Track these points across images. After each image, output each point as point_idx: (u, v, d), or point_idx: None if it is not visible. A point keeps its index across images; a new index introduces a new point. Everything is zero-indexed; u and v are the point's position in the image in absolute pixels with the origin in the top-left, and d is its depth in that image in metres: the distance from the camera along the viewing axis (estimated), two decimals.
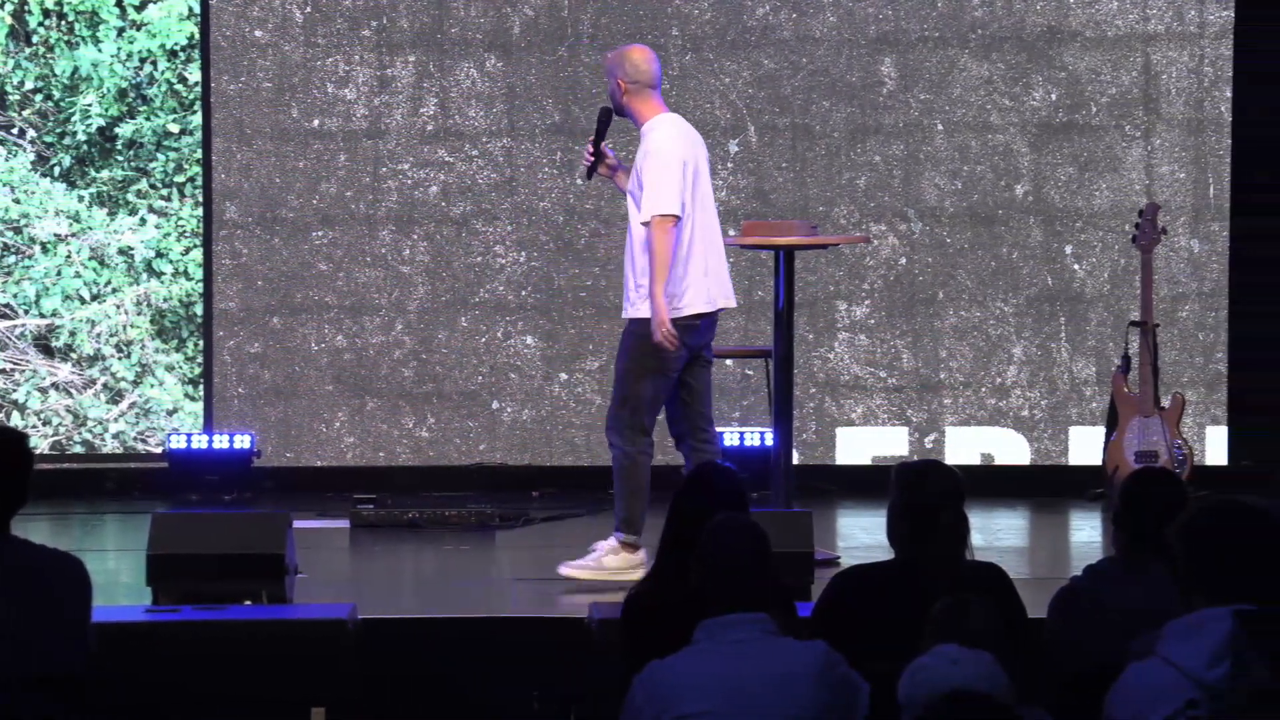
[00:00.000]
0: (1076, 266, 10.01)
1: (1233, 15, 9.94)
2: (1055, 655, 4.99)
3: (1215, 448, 9.97)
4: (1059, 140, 9.97)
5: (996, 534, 8.73)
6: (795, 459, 8.34)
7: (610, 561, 7.07)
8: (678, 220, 7.11)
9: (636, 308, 7.15)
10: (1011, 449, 9.98)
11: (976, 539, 8.24)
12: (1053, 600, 5.11)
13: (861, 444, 9.98)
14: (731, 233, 9.69)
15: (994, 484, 9.50)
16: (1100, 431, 9.55)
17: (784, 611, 4.70)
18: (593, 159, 7.35)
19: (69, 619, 5.03)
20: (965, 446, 9.93)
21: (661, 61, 9.94)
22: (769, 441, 8.53)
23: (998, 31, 9.96)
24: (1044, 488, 9.76)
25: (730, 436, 9.51)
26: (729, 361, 9.91)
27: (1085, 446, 9.86)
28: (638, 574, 7.03)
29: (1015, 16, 9.95)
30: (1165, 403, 9.20)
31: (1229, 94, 9.94)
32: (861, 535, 8.65)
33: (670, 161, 7.13)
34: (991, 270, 9.99)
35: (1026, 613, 5.14)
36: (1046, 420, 9.99)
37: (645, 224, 7.12)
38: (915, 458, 9.73)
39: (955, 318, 9.99)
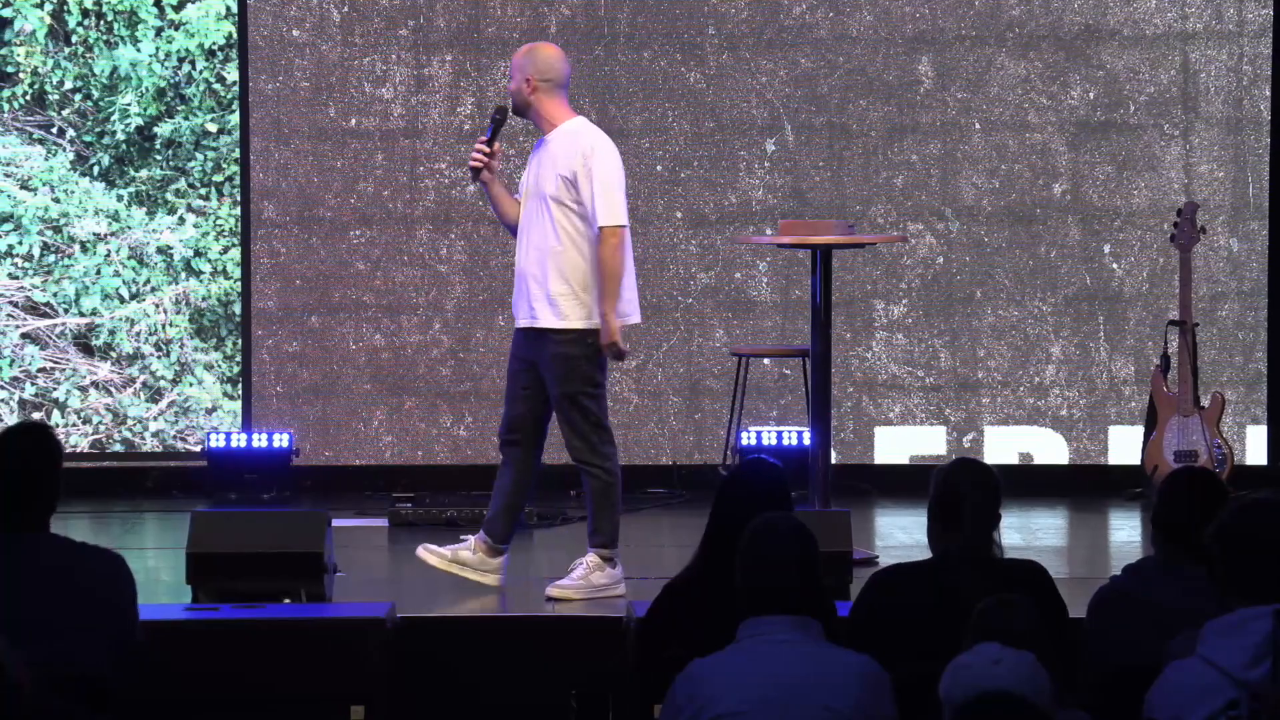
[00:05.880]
0: (1115, 265, 9.99)
1: (1272, 14, 9.91)
2: (1095, 655, 4.99)
3: (1255, 447, 9.93)
4: (1097, 139, 9.95)
5: (1035, 533, 8.71)
6: (833, 458, 8.33)
7: (597, 579, 7.03)
8: (624, 233, 6.96)
9: (566, 318, 6.95)
10: (1050, 448, 9.96)
11: (1016, 538, 8.26)
12: (1092, 600, 5.11)
13: (899, 443, 9.97)
14: (769, 232, 9.71)
15: (1033, 484, 9.47)
16: (1139, 431, 9.52)
17: (826, 615, 4.69)
18: (485, 160, 7.05)
19: (109, 617, 5.04)
20: (1004, 446, 9.92)
21: (698, 60, 9.99)
22: (807, 441, 8.53)
23: (1035, 30, 9.95)
24: (1083, 487, 9.74)
25: (768, 436, 9.51)
26: (766, 360, 9.91)
27: (1124, 446, 9.84)
28: (620, 589, 7.04)
29: (1053, 15, 9.93)
30: (1205, 402, 9.17)
31: (1268, 93, 9.91)
32: (899, 534, 8.64)
33: (619, 171, 6.98)
34: (1029, 269, 9.97)
35: (1067, 612, 5.13)
36: (1085, 420, 9.97)
37: (599, 230, 6.90)
38: (954, 457, 9.72)
39: (993, 317, 9.97)
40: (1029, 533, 8.65)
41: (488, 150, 7.07)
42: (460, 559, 7.09)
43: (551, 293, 6.96)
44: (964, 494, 5.05)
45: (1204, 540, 4.50)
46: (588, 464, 7.00)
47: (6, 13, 9.93)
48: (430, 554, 7.11)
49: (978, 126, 9.96)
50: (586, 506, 7.11)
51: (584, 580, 6.97)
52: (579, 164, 6.95)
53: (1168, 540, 5.07)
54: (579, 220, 6.98)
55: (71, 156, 9.97)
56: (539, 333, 6.99)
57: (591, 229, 6.97)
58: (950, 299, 9.98)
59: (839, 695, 4.37)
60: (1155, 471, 9.00)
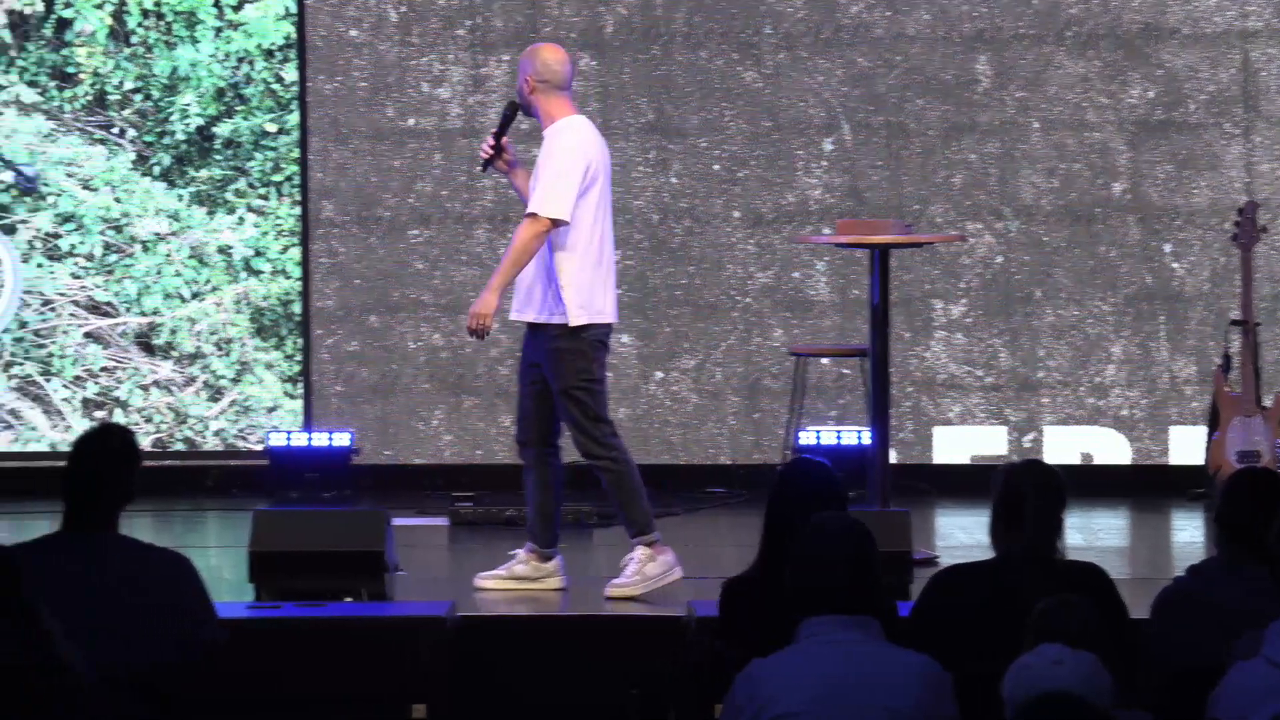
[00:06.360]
0: (1176, 265, 9.94)
1: None
2: (1158, 656, 4.97)
3: None
4: (1156, 138, 9.91)
5: (1097, 534, 8.68)
6: (892, 458, 8.32)
7: (651, 569, 7.04)
8: (554, 227, 6.93)
9: (556, 313, 6.97)
10: (1111, 448, 9.92)
11: (1077, 539, 8.23)
12: (1155, 600, 5.09)
13: (959, 443, 9.94)
14: (826, 231, 9.70)
15: (1094, 484, 9.43)
16: (1202, 431, 9.48)
17: (885, 615, 4.68)
18: (492, 152, 7.14)
19: (172, 618, 5.07)
20: (1064, 446, 9.88)
21: (755, 60, 9.98)
22: (866, 440, 8.52)
23: (1094, 29, 9.91)
24: (1145, 488, 9.70)
25: (827, 435, 9.50)
26: (825, 360, 9.89)
27: (1186, 446, 9.79)
28: (677, 573, 7.06)
29: (1111, 14, 9.90)
30: (1267, 402, 9.13)
31: None
32: (960, 534, 8.62)
33: (573, 167, 6.94)
34: (1089, 269, 9.94)
35: (1128, 613, 5.12)
36: (1147, 420, 9.93)
37: (528, 215, 6.93)
38: (1015, 457, 9.70)
39: (1053, 316, 9.94)
40: (1090, 533, 8.62)
41: (492, 143, 7.14)
42: (516, 574, 7.12)
43: (542, 287, 7.00)
44: (1027, 495, 5.04)
45: (1267, 541, 4.49)
46: (596, 458, 7.02)
47: (67, 13, 10.00)
48: (488, 579, 7.13)
49: (1036, 125, 9.93)
50: (611, 503, 7.13)
51: (638, 575, 6.99)
52: (546, 158, 7.01)
53: (1231, 540, 5.06)
54: None
55: (132, 157, 10.02)
56: (537, 328, 7.04)
57: (573, 224, 6.97)
58: (1009, 298, 9.95)
59: (899, 695, 4.36)
60: (1218, 472, 8.95)
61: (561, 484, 7.19)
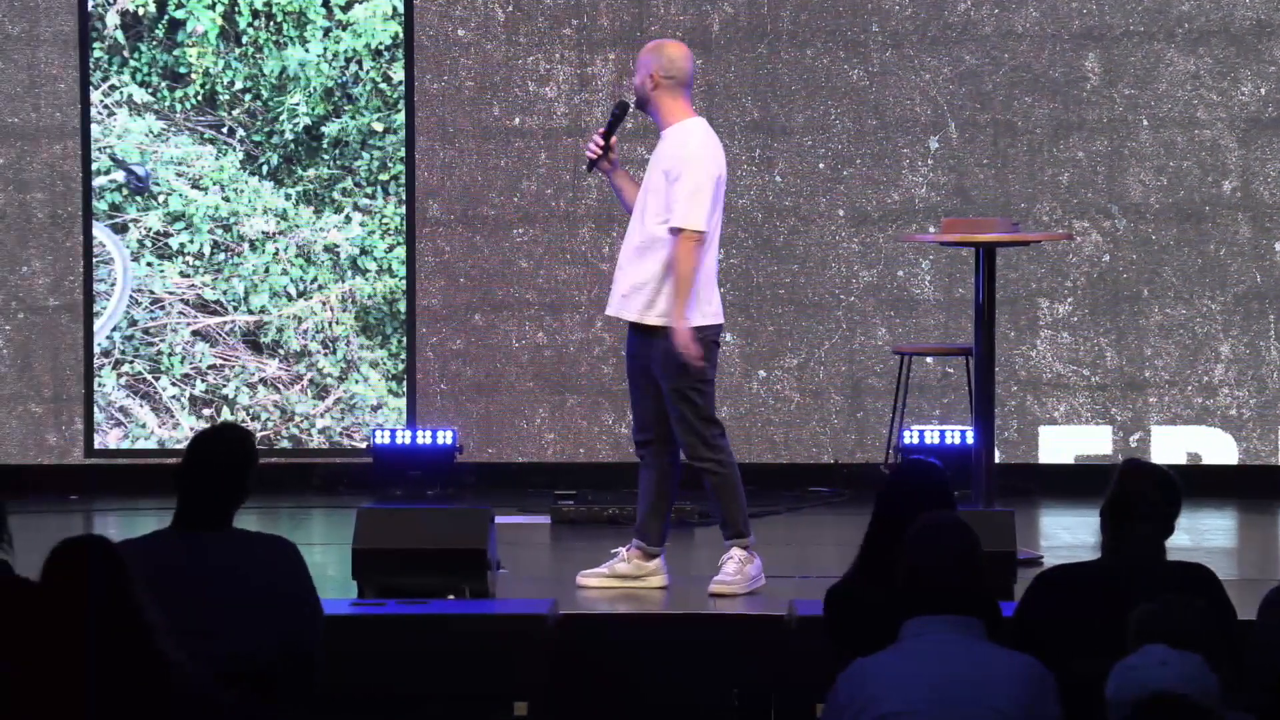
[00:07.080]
0: None
1: None
2: (1263, 658, 4.91)
3: None
4: (1268, 135, 9.80)
5: (1204, 534, 8.61)
6: (997, 457, 8.27)
7: (750, 570, 7.05)
8: (701, 239, 6.91)
9: (663, 314, 6.95)
10: (1219, 448, 9.82)
11: (1184, 539, 8.16)
12: (1262, 602, 5.04)
13: (1064, 443, 9.88)
14: (932, 230, 9.66)
15: (1201, 484, 9.34)
16: None
17: (990, 615, 4.65)
18: (600, 151, 7.08)
19: (289, 609, 5.09)
20: (1171, 446, 9.80)
21: (861, 58, 9.95)
22: (970, 440, 8.48)
23: (1205, 25, 9.82)
24: (1253, 488, 9.60)
25: (931, 434, 9.46)
26: (929, 359, 9.85)
27: None
28: (763, 580, 7.07)
29: (1223, 10, 9.80)
30: None
31: None
32: (1064, 535, 8.57)
33: (709, 177, 6.91)
34: (1198, 267, 9.85)
35: (1235, 614, 5.06)
36: (1255, 420, 9.83)
37: (673, 231, 6.89)
38: (1120, 457, 9.62)
39: (1160, 315, 9.86)
40: (1198, 534, 8.54)
41: (602, 143, 7.10)
42: (618, 573, 7.14)
43: (654, 290, 6.98)
44: (1142, 498, 5.00)
45: None
46: (702, 460, 7.01)
47: (179, 14, 10.09)
48: (589, 578, 7.15)
49: (1145, 123, 9.84)
50: (711, 504, 7.13)
51: (740, 574, 7.01)
52: (680, 164, 6.95)
53: None
54: None
55: (241, 156, 10.10)
56: (648, 329, 7.02)
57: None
58: (1116, 297, 9.87)
59: (1003, 695, 4.34)
60: None
61: (678, 484, 7.19)
